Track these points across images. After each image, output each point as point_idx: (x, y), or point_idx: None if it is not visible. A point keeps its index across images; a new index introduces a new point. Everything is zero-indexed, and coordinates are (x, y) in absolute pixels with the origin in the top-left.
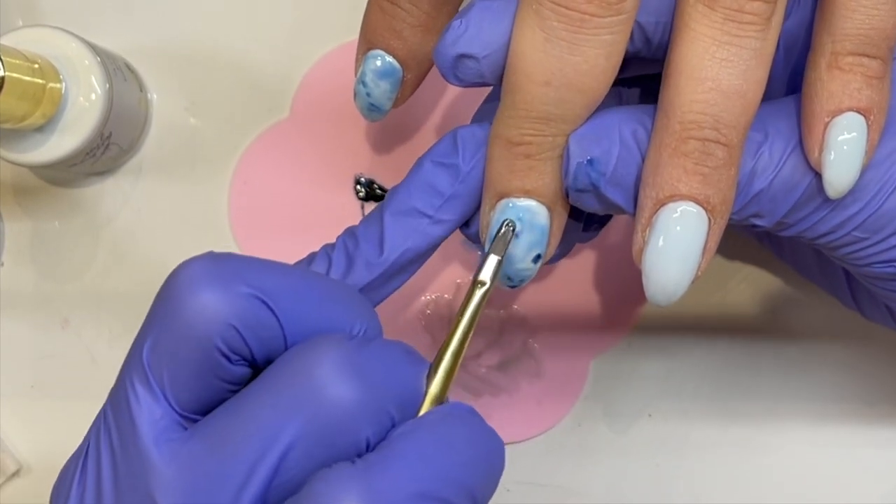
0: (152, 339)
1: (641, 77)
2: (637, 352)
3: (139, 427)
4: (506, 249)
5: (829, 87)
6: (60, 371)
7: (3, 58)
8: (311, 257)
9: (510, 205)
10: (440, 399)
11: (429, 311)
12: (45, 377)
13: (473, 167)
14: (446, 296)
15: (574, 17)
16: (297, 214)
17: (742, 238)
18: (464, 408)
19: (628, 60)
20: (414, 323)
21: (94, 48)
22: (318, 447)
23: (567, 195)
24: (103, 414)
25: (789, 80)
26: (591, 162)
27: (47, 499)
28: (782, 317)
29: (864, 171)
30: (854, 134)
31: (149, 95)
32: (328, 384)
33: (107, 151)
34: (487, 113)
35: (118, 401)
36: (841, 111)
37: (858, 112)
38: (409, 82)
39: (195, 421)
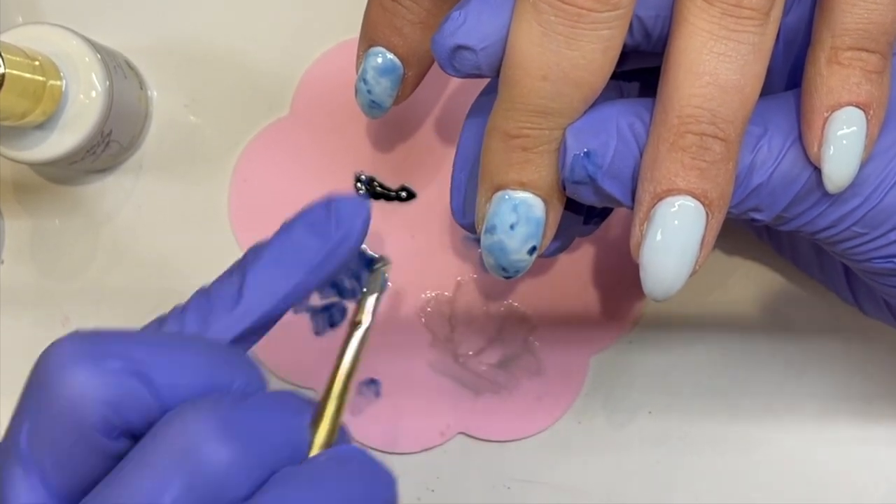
0: (30, 423)
1: (641, 70)
2: (637, 349)
3: None
4: (382, 288)
5: (828, 82)
6: None
7: (3, 55)
8: (162, 320)
9: (506, 197)
10: (328, 444)
11: (429, 309)
12: None
13: (343, 238)
14: (446, 293)
15: (571, 13)
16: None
17: (742, 234)
18: (352, 449)
19: (628, 54)
20: (414, 320)
21: (94, 45)
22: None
23: (564, 188)
24: None
25: (789, 75)
26: (587, 154)
27: None
28: (782, 313)
29: (864, 165)
30: (853, 128)
31: (149, 93)
32: (202, 446)
33: (107, 149)
34: (485, 105)
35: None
36: (840, 106)
37: (858, 106)
38: (410, 79)
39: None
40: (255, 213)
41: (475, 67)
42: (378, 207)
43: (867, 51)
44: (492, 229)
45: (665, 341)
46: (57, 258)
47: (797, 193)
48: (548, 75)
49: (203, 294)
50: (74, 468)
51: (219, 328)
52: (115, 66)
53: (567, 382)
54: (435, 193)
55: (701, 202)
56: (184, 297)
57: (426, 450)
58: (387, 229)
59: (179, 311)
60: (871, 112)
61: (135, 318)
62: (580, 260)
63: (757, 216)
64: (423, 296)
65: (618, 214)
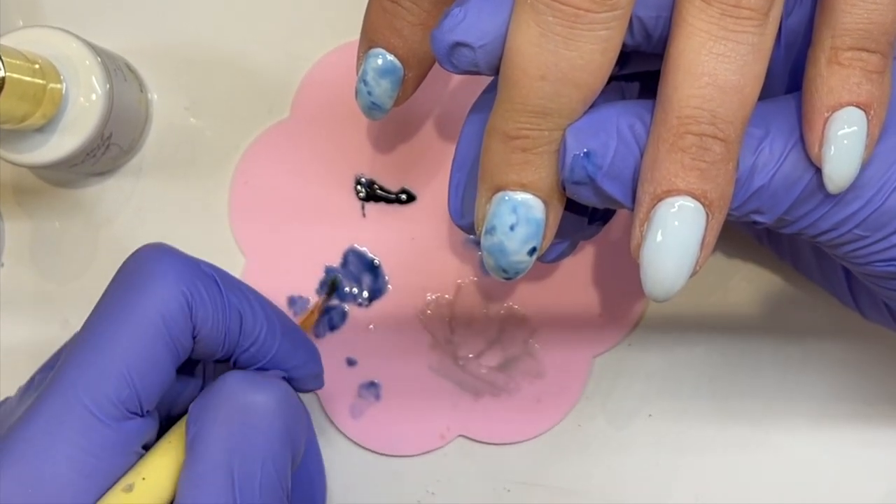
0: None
1: (642, 72)
2: (637, 351)
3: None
4: (330, 297)
5: (828, 82)
6: None
7: (3, 58)
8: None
9: (506, 198)
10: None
11: (429, 311)
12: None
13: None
14: (447, 296)
15: (569, 13)
16: (298, 214)
17: (742, 237)
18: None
19: (629, 56)
20: (414, 323)
21: (94, 48)
22: None
23: (564, 188)
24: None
25: (790, 77)
26: (587, 155)
27: None
28: (782, 316)
29: (865, 168)
30: (854, 128)
31: (149, 96)
32: None
33: (107, 152)
34: (486, 103)
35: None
36: (841, 106)
37: (858, 107)
38: (411, 81)
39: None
40: (255, 215)
41: (473, 64)
42: (378, 210)
43: (868, 51)
44: (491, 230)
45: (665, 343)
46: (57, 261)
47: (799, 195)
48: (546, 75)
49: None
50: (150, 366)
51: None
52: (116, 69)
53: (567, 385)
54: (435, 196)
55: (701, 203)
56: None
57: (426, 452)
58: (387, 232)
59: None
60: (872, 112)
61: None
62: (580, 262)
63: (758, 218)
64: (423, 298)
65: (618, 216)
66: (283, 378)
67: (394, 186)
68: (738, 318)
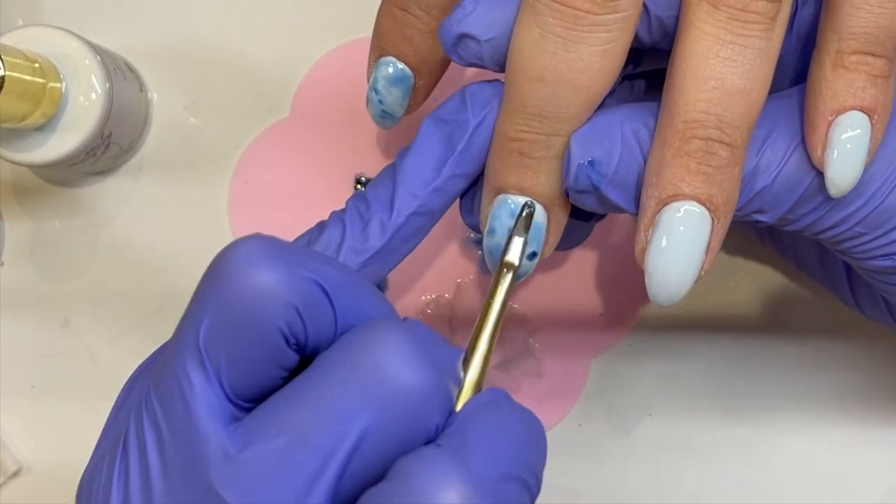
0: (209, 321)
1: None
2: (638, 351)
3: (196, 415)
4: (528, 230)
5: (833, 86)
6: (60, 371)
7: (3, 57)
8: (322, 225)
9: (507, 201)
10: (479, 384)
11: (429, 311)
12: (46, 377)
13: (482, 121)
14: (447, 295)
15: (568, 14)
16: (298, 214)
17: (743, 236)
18: (503, 392)
19: (643, 53)
20: None
21: (94, 47)
22: (393, 435)
23: (567, 195)
24: (145, 402)
25: (800, 70)
26: (591, 163)
27: (48, 499)
28: (783, 315)
29: (867, 166)
30: (858, 132)
31: (149, 95)
32: (400, 370)
33: (107, 151)
34: None
35: (168, 387)
36: (845, 110)
37: (862, 111)
38: (421, 89)
39: (244, 409)
40: (255, 214)
41: (477, 57)
42: None
43: (873, 55)
44: (492, 232)
45: (666, 343)
46: (57, 260)
47: (801, 196)
48: (544, 77)
49: (360, 197)
50: (249, 371)
51: (376, 228)
52: (115, 68)
53: (568, 385)
54: None
55: (706, 207)
56: (184, 298)
57: None
58: None
59: (339, 214)
60: (876, 116)
61: (135, 319)
62: (581, 262)
63: (761, 218)
64: (423, 297)
65: (618, 218)
66: None
67: None
68: (739, 318)
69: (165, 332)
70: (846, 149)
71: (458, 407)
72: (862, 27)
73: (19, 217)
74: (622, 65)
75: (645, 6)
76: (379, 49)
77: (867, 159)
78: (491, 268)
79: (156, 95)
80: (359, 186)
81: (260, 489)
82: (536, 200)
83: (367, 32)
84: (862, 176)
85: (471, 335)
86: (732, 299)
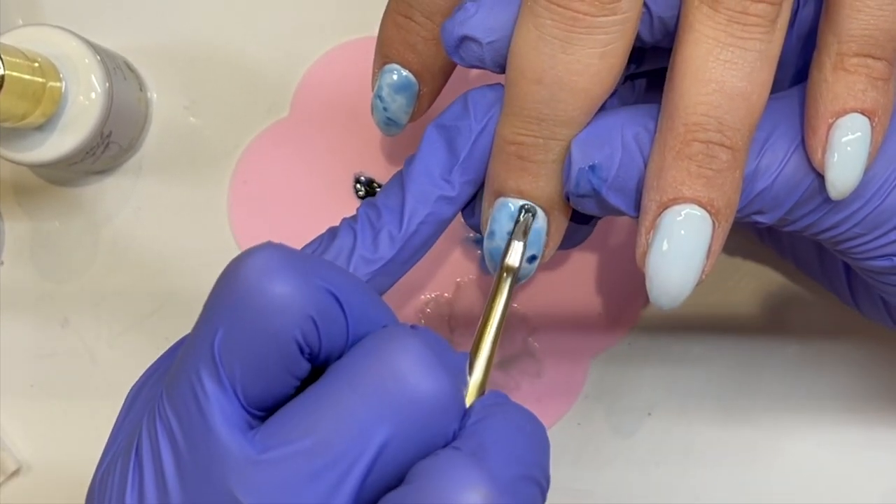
0: (224, 330)
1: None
2: (637, 351)
3: (213, 422)
4: (527, 234)
5: (833, 88)
6: (60, 370)
7: (3, 56)
8: (333, 232)
9: (507, 204)
10: (483, 386)
11: (428, 310)
12: (45, 376)
13: (485, 127)
14: (446, 295)
15: (566, 16)
16: (297, 213)
17: (742, 236)
18: (504, 395)
19: (645, 53)
20: (413, 321)
21: (93, 47)
22: (412, 442)
23: (567, 199)
24: (157, 410)
25: (801, 69)
26: (592, 168)
27: (47, 498)
28: (782, 315)
29: (867, 168)
30: (858, 135)
31: (149, 94)
32: (419, 379)
33: (107, 150)
34: None
35: (181, 396)
36: (845, 112)
37: (863, 113)
38: (426, 96)
39: (258, 418)
40: (254, 214)
41: (479, 60)
42: None
43: (873, 57)
44: (492, 235)
45: (665, 343)
46: (56, 260)
47: (800, 197)
48: (542, 79)
49: (370, 205)
50: (262, 379)
51: (386, 238)
52: (115, 68)
53: (567, 384)
54: None
55: (707, 211)
56: (184, 298)
57: None
58: None
59: (350, 222)
60: (877, 119)
61: (135, 319)
62: (581, 262)
63: (760, 219)
64: (422, 297)
65: (618, 218)
66: None
67: None
68: (739, 318)
69: (165, 332)
70: (846, 151)
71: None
72: (862, 29)
73: (19, 216)
74: (623, 67)
75: (646, 6)
76: (383, 56)
77: (867, 162)
78: (491, 269)
79: (155, 95)
80: (358, 186)
81: (281, 495)
82: (536, 204)
83: (367, 32)
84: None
85: (473, 339)
86: (732, 300)
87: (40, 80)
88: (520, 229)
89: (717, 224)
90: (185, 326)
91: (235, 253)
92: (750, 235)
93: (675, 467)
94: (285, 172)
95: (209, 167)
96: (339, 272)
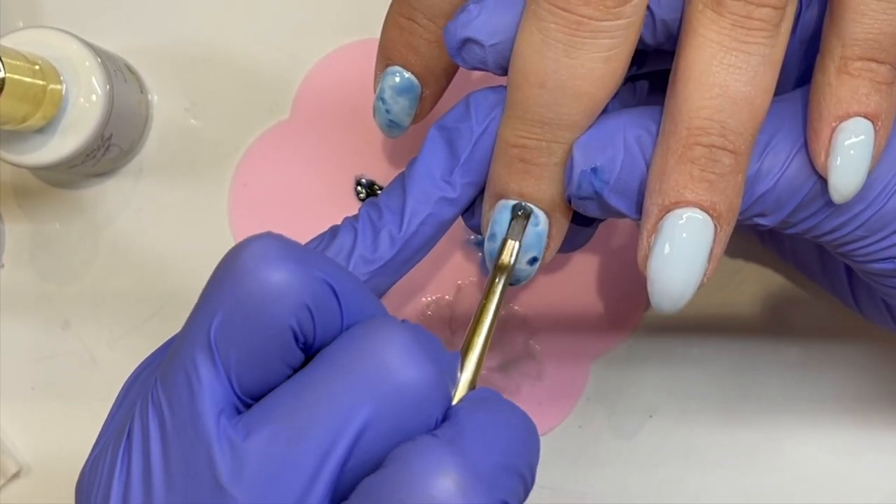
0: (222, 316)
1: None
2: (638, 353)
3: (200, 407)
4: (522, 233)
5: (837, 92)
6: (61, 372)
7: (3, 59)
8: (334, 230)
9: (508, 206)
10: (474, 384)
11: (429, 312)
12: (46, 378)
13: (486, 129)
14: (447, 297)
15: (570, 20)
16: (298, 215)
17: (743, 237)
18: (494, 392)
19: (646, 55)
20: (414, 323)
21: (94, 49)
22: (393, 429)
23: (569, 201)
24: (151, 394)
25: (804, 72)
26: (594, 171)
27: (48, 500)
28: (783, 317)
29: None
30: (861, 138)
31: (149, 96)
32: (403, 365)
33: (107, 153)
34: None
35: (175, 380)
36: (849, 116)
37: (866, 117)
38: (428, 98)
39: (247, 405)
40: (255, 216)
41: (482, 62)
42: None
43: (877, 61)
44: (493, 237)
45: (666, 346)
46: (57, 262)
47: (802, 200)
48: (545, 83)
49: (372, 205)
50: (257, 367)
51: (386, 238)
52: (116, 70)
53: (568, 387)
54: None
55: (709, 215)
56: (184, 300)
57: None
58: None
59: (351, 221)
60: (880, 123)
61: (135, 321)
62: (582, 264)
63: (762, 221)
64: (423, 299)
65: (618, 220)
66: None
67: None
68: (740, 320)
69: (166, 334)
70: (850, 155)
71: (455, 403)
72: (866, 34)
73: (19, 219)
74: (625, 71)
75: (649, 9)
76: (385, 59)
77: (871, 165)
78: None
79: (156, 97)
80: (359, 188)
81: (262, 478)
82: (538, 206)
83: (368, 34)
84: None
85: (465, 336)
86: (733, 301)
87: (41, 82)
88: (514, 228)
89: (719, 228)
90: None
91: None
92: (751, 237)
93: (676, 469)
94: (286, 174)
95: (210, 169)
96: (336, 266)
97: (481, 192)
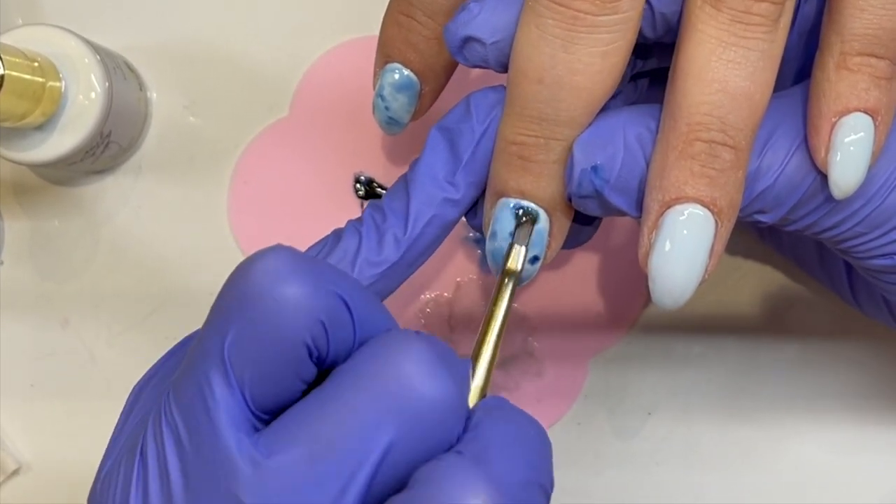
0: (235, 332)
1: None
2: (637, 350)
3: (219, 424)
4: (528, 238)
5: (836, 88)
6: (60, 370)
7: (2, 56)
8: (338, 233)
9: (509, 204)
10: (485, 391)
11: (429, 310)
12: (45, 376)
13: (487, 129)
14: (446, 294)
15: (567, 15)
16: (297, 212)
17: (742, 234)
18: (503, 399)
19: (650, 50)
20: (414, 322)
21: (93, 47)
22: (417, 446)
23: (570, 200)
24: (164, 411)
25: (802, 66)
26: (594, 169)
27: (47, 498)
28: (782, 315)
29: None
30: (861, 134)
31: (148, 94)
32: (426, 383)
33: (106, 150)
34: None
35: (189, 397)
36: (848, 111)
37: (866, 113)
38: (427, 95)
39: (263, 421)
40: (254, 213)
41: (483, 60)
42: None
43: (876, 56)
44: (493, 235)
45: (665, 343)
46: (56, 259)
47: (802, 196)
48: (543, 78)
49: (376, 208)
50: (271, 383)
51: (391, 241)
52: (115, 68)
53: (567, 384)
54: None
55: (710, 210)
56: (184, 298)
57: None
58: None
59: (355, 224)
60: (880, 118)
61: (134, 318)
62: (581, 261)
63: (762, 218)
64: (422, 297)
65: (617, 218)
66: None
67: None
68: (739, 317)
69: (165, 332)
70: (850, 151)
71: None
72: (865, 29)
73: (19, 216)
74: (624, 66)
75: (648, 2)
76: (384, 56)
77: (871, 161)
78: (493, 270)
79: (155, 94)
80: (358, 185)
81: (286, 499)
82: (538, 204)
83: (368, 32)
84: None
85: (475, 342)
86: (733, 299)
87: (40, 79)
88: (521, 232)
89: (719, 224)
90: (184, 326)
91: (235, 252)
92: (750, 234)
93: (676, 467)
94: (285, 172)
95: (209, 167)
96: (346, 278)
97: (484, 191)
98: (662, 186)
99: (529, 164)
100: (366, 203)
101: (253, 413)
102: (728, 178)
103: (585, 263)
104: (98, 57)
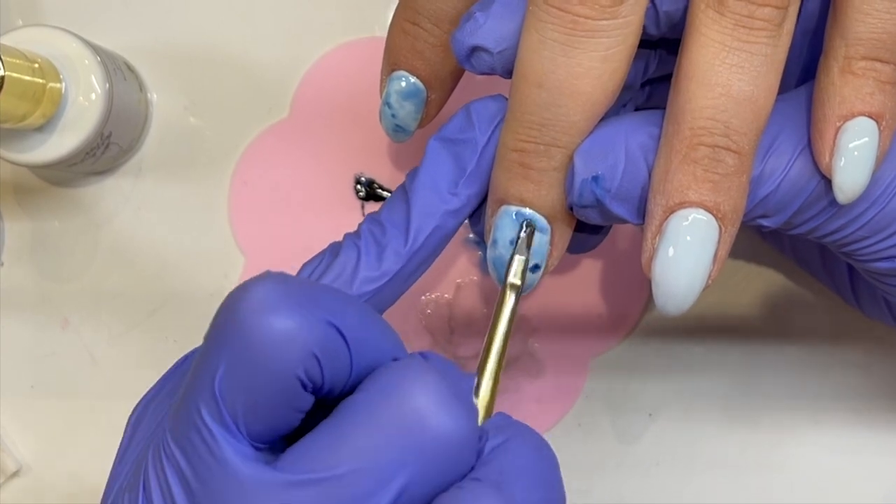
0: (225, 367)
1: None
2: (637, 351)
3: (226, 461)
4: (529, 249)
5: (841, 92)
6: (60, 370)
7: (3, 57)
8: (335, 248)
9: (510, 212)
10: (491, 408)
11: (429, 311)
12: (45, 377)
13: (490, 139)
14: (446, 295)
15: (566, 19)
16: (297, 214)
17: (744, 236)
18: (508, 416)
19: (657, 52)
20: (414, 323)
21: (94, 48)
22: (434, 480)
23: (571, 209)
24: (164, 449)
25: (806, 66)
26: (595, 179)
27: (47, 499)
28: (783, 316)
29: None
30: (865, 139)
31: (149, 95)
32: (441, 418)
33: (107, 151)
34: None
35: (187, 436)
36: (853, 116)
37: (870, 117)
38: (434, 102)
39: (263, 450)
40: (254, 214)
41: (490, 68)
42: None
43: (881, 61)
44: (494, 243)
45: (665, 344)
46: (56, 260)
47: (805, 201)
48: (543, 83)
49: (373, 221)
50: (265, 416)
51: (391, 254)
52: (115, 69)
53: (567, 385)
54: None
55: (714, 215)
56: (183, 298)
57: None
58: None
59: (353, 238)
60: (884, 123)
61: (135, 319)
62: (581, 263)
63: (764, 223)
64: (422, 298)
65: None
66: None
67: (393, 186)
68: (740, 319)
69: (165, 332)
70: (854, 156)
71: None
72: (870, 33)
73: (19, 217)
74: (626, 71)
75: (652, 1)
76: (391, 63)
77: (875, 166)
78: (494, 279)
79: (155, 95)
80: (358, 186)
81: None
82: (539, 212)
83: (368, 33)
84: None
85: (479, 358)
86: (734, 301)
87: (40, 80)
88: (523, 244)
89: (723, 229)
90: (184, 326)
91: (235, 253)
92: (752, 234)
93: (676, 468)
94: (285, 173)
95: (209, 168)
96: (341, 300)
97: (486, 197)
98: (665, 191)
99: (530, 172)
100: (367, 204)
101: (252, 445)
102: (732, 183)
103: (586, 264)
104: (98, 58)
